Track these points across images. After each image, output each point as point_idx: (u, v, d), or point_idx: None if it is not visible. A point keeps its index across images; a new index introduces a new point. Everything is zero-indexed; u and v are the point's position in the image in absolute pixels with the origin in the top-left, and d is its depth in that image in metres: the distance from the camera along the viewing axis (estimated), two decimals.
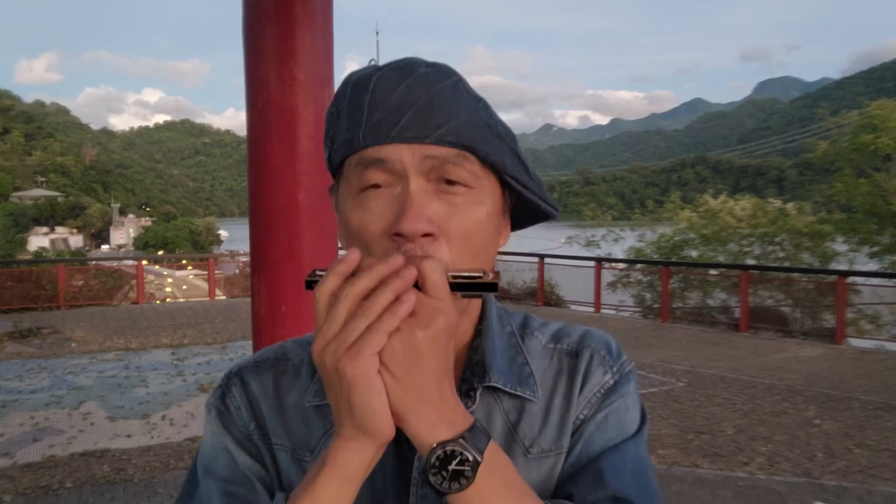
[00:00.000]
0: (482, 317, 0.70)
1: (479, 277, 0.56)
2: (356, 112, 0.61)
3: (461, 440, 0.53)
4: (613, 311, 12.67)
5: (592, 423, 0.68)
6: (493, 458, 0.55)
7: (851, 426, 5.61)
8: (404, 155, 0.59)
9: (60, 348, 9.05)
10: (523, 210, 0.69)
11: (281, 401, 0.71)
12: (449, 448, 0.52)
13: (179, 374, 7.55)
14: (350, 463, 0.54)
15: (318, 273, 0.56)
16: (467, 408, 0.60)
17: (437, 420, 0.53)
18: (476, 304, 0.69)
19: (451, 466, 0.52)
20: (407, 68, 0.61)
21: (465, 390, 0.66)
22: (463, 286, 0.55)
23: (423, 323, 0.51)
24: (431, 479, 0.53)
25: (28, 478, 4.59)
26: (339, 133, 0.63)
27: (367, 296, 0.51)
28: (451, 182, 0.60)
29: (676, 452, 5.01)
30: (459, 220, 0.60)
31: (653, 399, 6.41)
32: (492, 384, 0.66)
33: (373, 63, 0.64)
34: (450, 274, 0.54)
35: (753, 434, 5.43)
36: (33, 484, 4.48)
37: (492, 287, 0.56)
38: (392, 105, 0.59)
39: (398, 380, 0.51)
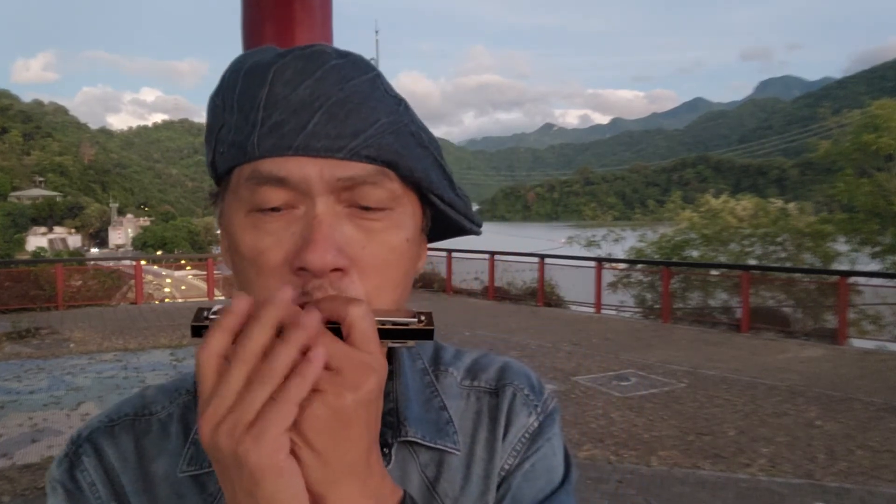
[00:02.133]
0: (391, 355, 0.59)
1: (412, 323, 0.47)
2: (249, 108, 0.48)
3: None
4: (614, 312, 12.65)
5: (519, 473, 0.60)
6: None
7: (853, 427, 5.58)
8: (310, 173, 0.47)
9: (59, 349, 9.03)
10: (442, 224, 0.59)
11: (146, 471, 0.57)
12: None
13: (178, 375, 7.52)
14: None
15: (206, 316, 0.45)
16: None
17: (362, 498, 0.42)
18: None
19: None
20: (315, 58, 0.49)
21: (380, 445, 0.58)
22: (393, 333, 0.46)
23: (351, 384, 0.40)
24: None
25: (27, 479, 4.57)
26: (225, 131, 0.50)
27: (266, 354, 0.40)
28: (366, 208, 0.50)
29: (677, 454, 4.99)
30: (375, 248, 0.50)
31: (653, 400, 6.39)
32: (409, 438, 0.57)
33: (268, 47, 0.52)
34: (378, 320, 0.44)
35: (755, 435, 5.41)
36: (32, 485, 4.46)
37: (427, 334, 0.47)
38: (296, 103, 0.47)
39: (320, 455, 0.40)
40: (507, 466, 0.60)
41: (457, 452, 0.59)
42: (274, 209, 0.49)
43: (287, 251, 0.48)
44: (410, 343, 0.47)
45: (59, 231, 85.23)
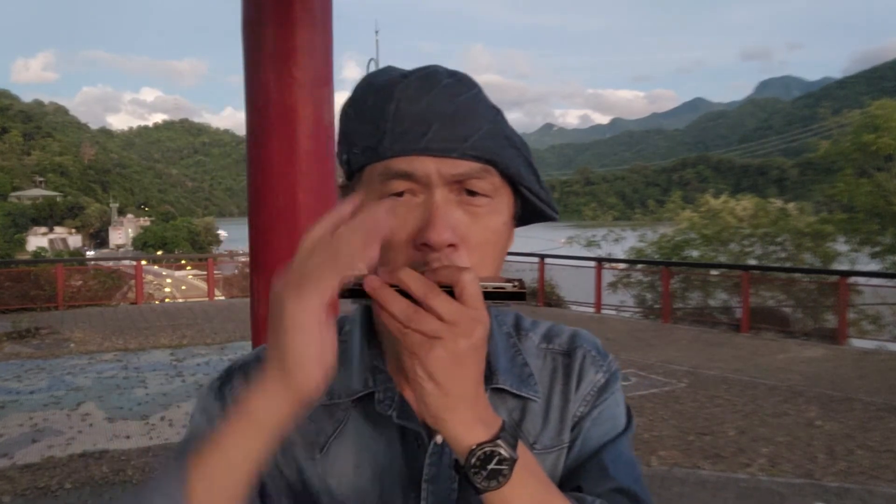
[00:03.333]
0: None
1: (508, 287, 0.58)
2: (380, 119, 0.61)
3: (498, 440, 0.55)
4: (614, 312, 12.65)
5: (589, 419, 0.72)
6: (524, 455, 0.57)
7: (853, 427, 5.59)
8: (430, 168, 0.60)
9: (59, 349, 9.03)
10: (527, 213, 0.71)
11: None
12: (488, 448, 0.55)
13: (178, 375, 7.53)
14: (262, 410, 0.54)
15: (355, 281, 0.55)
16: None
17: (474, 421, 0.55)
18: None
19: (491, 466, 0.55)
20: (430, 78, 0.62)
21: None
22: (494, 295, 0.57)
23: (464, 332, 0.52)
24: (473, 478, 0.55)
25: (27, 478, 4.57)
26: (359, 137, 0.63)
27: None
28: (472, 193, 0.62)
29: (677, 454, 5.00)
30: (480, 229, 0.62)
31: (654, 400, 6.39)
32: (499, 386, 0.69)
33: (389, 67, 0.65)
34: (481, 284, 0.55)
35: (755, 435, 5.41)
36: (32, 485, 4.47)
37: (520, 296, 0.58)
38: (417, 115, 0.60)
39: (441, 385, 0.53)
40: (578, 413, 0.72)
41: (537, 399, 0.72)
42: (398, 193, 0.61)
43: (410, 230, 0.60)
44: (510, 304, 0.58)
45: (60, 231, 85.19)
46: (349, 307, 0.69)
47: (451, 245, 0.60)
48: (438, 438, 0.65)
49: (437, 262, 0.59)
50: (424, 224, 0.60)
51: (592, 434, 0.72)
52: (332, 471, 0.68)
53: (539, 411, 0.72)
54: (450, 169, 0.60)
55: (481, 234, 0.62)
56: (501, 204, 0.64)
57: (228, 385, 0.72)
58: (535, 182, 0.67)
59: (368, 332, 0.71)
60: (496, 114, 0.64)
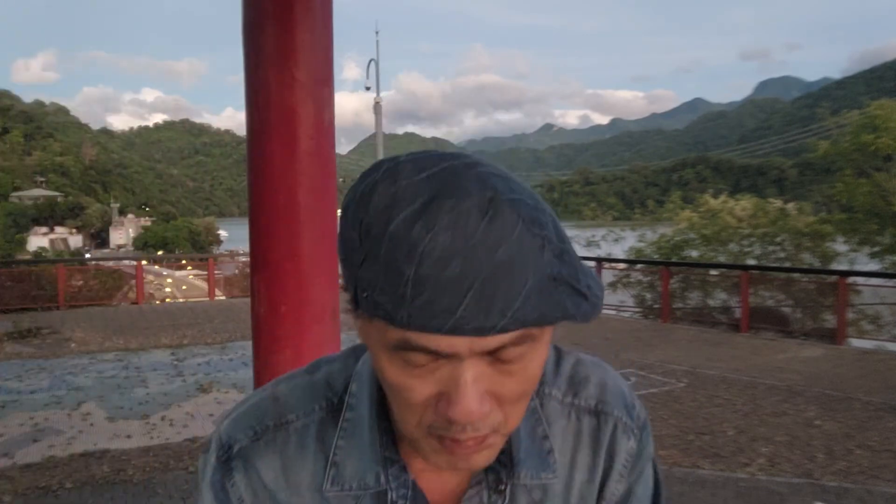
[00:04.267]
0: None
1: None
2: (397, 279, 0.47)
3: None
4: (614, 312, 12.66)
5: (633, 499, 0.68)
6: None
7: (852, 427, 5.59)
8: (460, 348, 0.49)
9: (60, 348, 9.04)
10: None
11: (293, 482, 0.63)
12: None
13: (179, 375, 7.54)
14: None
15: None
16: (497, 502, 0.62)
17: None
18: None
19: None
20: (462, 220, 0.47)
21: (494, 484, 0.62)
22: None
23: None
24: None
25: (28, 478, 4.58)
26: (368, 283, 0.49)
27: None
28: (507, 361, 0.51)
29: (677, 453, 5.01)
30: (515, 385, 0.52)
31: (653, 400, 6.40)
32: (521, 482, 0.62)
33: (397, 169, 0.50)
34: None
35: (754, 435, 5.42)
36: (33, 484, 4.47)
37: None
38: (447, 282, 0.46)
39: None
40: (617, 493, 0.67)
41: (554, 480, 0.64)
42: (419, 365, 0.51)
43: (432, 393, 0.52)
44: None
45: (61, 231, 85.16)
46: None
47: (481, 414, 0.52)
48: None
49: (464, 433, 0.52)
50: (449, 395, 0.50)
51: None
52: None
53: (561, 490, 0.65)
54: (484, 345, 0.49)
55: (517, 389, 0.53)
56: (542, 346, 0.53)
57: (230, 480, 0.63)
58: (581, 304, 0.52)
59: (379, 401, 0.61)
60: (542, 248, 0.49)
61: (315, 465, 0.62)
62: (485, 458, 0.55)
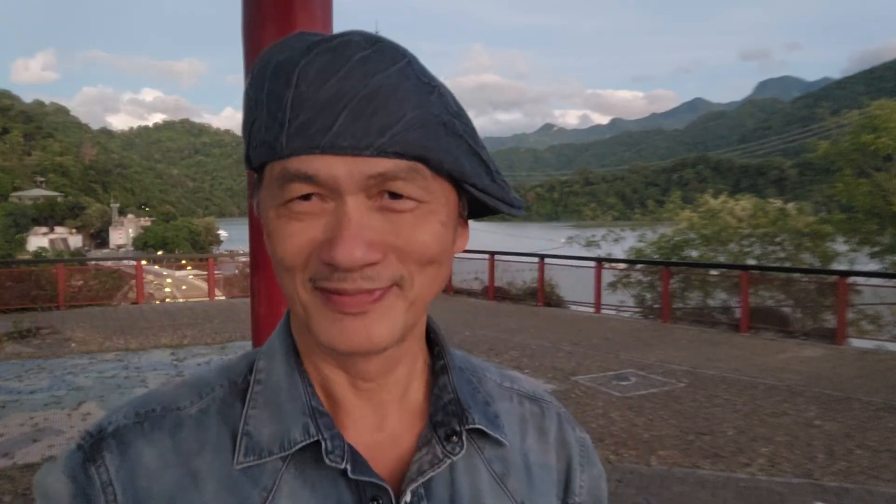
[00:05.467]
0: (439, 351, 0.61)
1: None
2: (277, 108, 0.48)
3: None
4: (614, 312, 12.66)
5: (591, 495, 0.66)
6: None
7: (852, 427, 5.59)
8: (338, 171, 0.47)
9: (60, 349, 9.04)
10: (477, 208, 0.58)
11: (190, 467, 0.53)
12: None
13: (179, 375, 7.54)
14: None
15: None
16: (454, 454, 0.55)
17: None
18: (421, 334, 0.60)
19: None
20: (340, 52, 0.47)
21: (446, 434, 0.56)
22: None
23: None
24: None
25: (28, 478, 4.58)
26: (256, 128, 0.50)
27: None
28: (396, 196, 0.49)
29: (677, 453, 5.00)
30: (409, 236, 0.50)
31: (653, 400, 6.40)
32: (476, 426, 0.57)
33: (299, 35, 0.51)
34: None
35: (754, 435, 5.42)
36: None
37: None
38: (322, 102, 0.47)
39: None
40: (584, 485, 0.65)
41: (506, 444, 0.60)
42: (304, 197, 0.49)
43: (314, 240, 0.49)
44: None
45: (60, 231, 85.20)
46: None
47: (371, 264, 0.48)
48: (407, 496, 0.53)
49: (349, 282, 0.48)
50: (332, 237, 0.48)
51: None
52: None
53: (520, 464, 0.60)
54: (364, 169, 0.47)
55: (413, 243, 0.50)
56: (437, 204, 0.51)
57: (96, 462, 0.52)
58: (482, 175, 0.53)
59: (297, 359, 0.56)
60: (430, 92, 0.49)
61: (219, 445, 0.54)
62: (386, 324, 0.50)
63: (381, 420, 0.57)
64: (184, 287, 25.88)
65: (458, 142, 0.51)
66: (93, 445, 0.53)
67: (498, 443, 0.59)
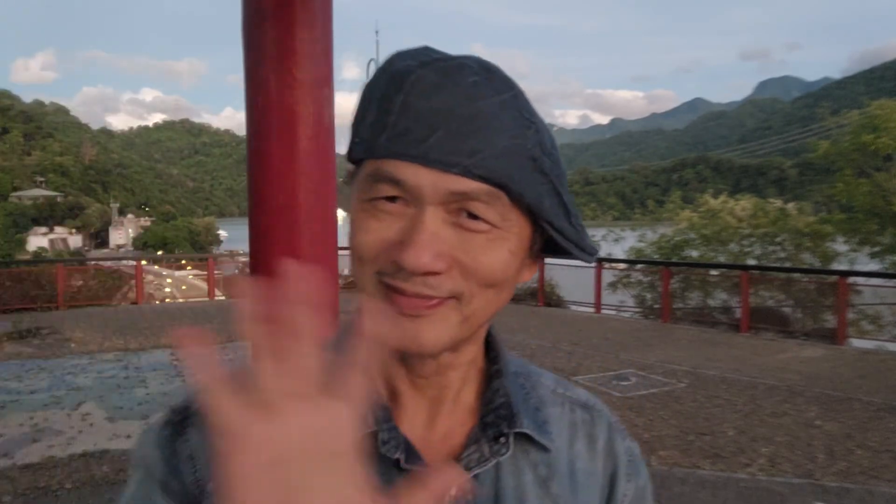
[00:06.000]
0: (496, 355, 0.63)
1: None
2: (385, 111, 0.52)
3: None
4: (614, 312, 12.66)
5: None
6: None
7: (853, 427, 5.59)
8: (424, 182, 0.50)
9: (59, 349, 9.03)
10: (549, 248, 0.60)
11: None
12: None
13: (179, 375, 7.54)
14: None
15: None
16: (500, 455, 0.57)
17: None
18: (480, 336, 0.61)
19: None
20: (453, 71, 0.51)
21: (495, 436, 0.58)
22: None
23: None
24: None
25: (27, 478, 4.58)
26: (363, 127, 0.54)
27: None
28: (474, 217, 0.52)
29: (677, 453, 5.00)
30: (477, 256, 0.52)
31: (654, 400, 6.40)
32: (523, 430, 0.59)
33: (423, 49, 0.55)
34: None
35: (754, 435, 5.42)
36: (32, 485, 4.47)
37: None
38: (424, 114, 0.50)
39: None
40: (629, 494, 0.65)
41: (551, 450, 0.61)
42: (389, 198, 0.52)
43: (389, 241, 0.52)
44: None
45: (60, 231, 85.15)
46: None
47: (433, 273, 0.50)
48: (453, 490, 0.58)
49: (411, 285, 0.50)
50: (405, 239, 0.50)
51: None
52: None
53: (565, 470, 0.62)
54: (448, 185, 0.50)
55: (478, 262, 0.52)
56: (510, 233, 0.53)
57: (182, 438, 0.56)
58: (560, 217, 0.55)
59: None
60: (528, 127, 0.52)
61: None
62: (436, 332, 0.52)
63: (433, 417, 0.59)
64: (184, 287, 25.89)
65: (542, 179, 0.53)
66: (181, 421, 0.57)
67: (544, 448, 0.61)
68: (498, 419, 0.59)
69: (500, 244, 0.53)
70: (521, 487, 0.59)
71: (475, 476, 0.57)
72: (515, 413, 0.59)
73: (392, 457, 0.55)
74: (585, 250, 0.59)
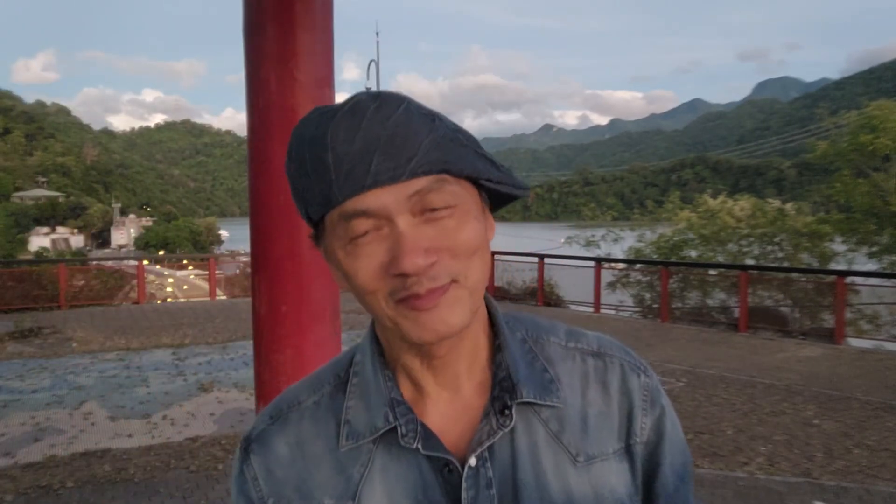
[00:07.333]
0: (495, 330, 0.70)
1: None
2: (322, 171, 0.59)
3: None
4: (613, 311, 12.67)
5: (666, 441, 0.71)
6: None
7: (851, 426, 5.62)
8: (386, 200, 0.58)
9: (61, 348, 9.06)
10: (495, 199, 0.70)
11: (310, 451, 0.69)
12: None
13: (180, 374, 7.56)
14: None
15: None
16: (505, 427, 0.65)
17: None
18: (483, 315, 0.70)
19: None
20: (356, 110, 0.59)
21: (500, 408, 0.66)
22: None
23: None
24: None
25: (29, 477, 4.60)
26: (310, 194, 0.61)
27: None
28: (435, 209, 0.60)
29: None
30: (455, 236, 0.60)
31: None
32: (524, 400, 0.66)
33: (315, 111, 0.63)
34: None
35: (753, 434, 5.44)
36: (34, 484, 4.49)
37: None
38: (356, 152, 0.58)
39: None
40: (646, 427, 0.70)
41: (561, 406, 0.68)
42: (363, 234, 0.60)
43: (382, 263, 0.60)
44: None
45: (62, 231, 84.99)
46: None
47: (431, 265, 0.59)
48: (472, 461, 0.64)
49: (418, 285, 0.58)
50: (395, 254, 0.58)
51: (667, 464, 0.70)
52: None
53: (576, 419, 0.68)
54: (404, 192, 0.58)
55: (459, 240, 0.61)
56: (467, 204, 0.62)
57: (247, 462, 0.70)
58: (492, 170, 0.65)
59: (381, 360, 0.69)
60: (432, 119, 0.61)
61: (329, 432, 0.68)
62: (456, 313, 0.60)
63: (454, 392, 0.68)
64: (185, 287, 25.85)
65: (466, 150, 0.63)
66: (245, 450, 0.70)
67: (552, 405, 0.68)
68: (502, 392, 0.66)
69: (465, 217, 0.61)
70: (535, 444, 0.66)
71: (490, 447, 0.65)
72: (516, 384, 0.66)
73: (411, 447, 0.64)
74: (520, 186, 0.68)
